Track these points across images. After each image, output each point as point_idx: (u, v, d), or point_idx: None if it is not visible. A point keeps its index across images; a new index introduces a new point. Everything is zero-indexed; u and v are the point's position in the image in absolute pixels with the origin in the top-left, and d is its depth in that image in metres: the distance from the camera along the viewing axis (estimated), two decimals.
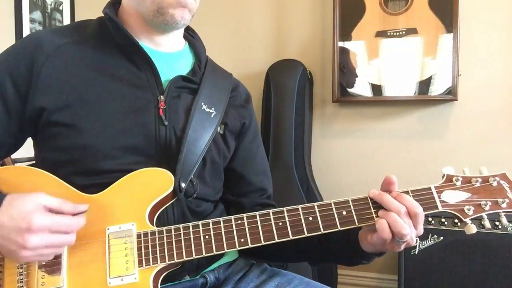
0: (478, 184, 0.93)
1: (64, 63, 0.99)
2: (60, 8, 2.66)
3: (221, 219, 0.92)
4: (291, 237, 0.90)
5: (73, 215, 0.87)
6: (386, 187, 0.93)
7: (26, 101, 0.97)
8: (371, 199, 0.92)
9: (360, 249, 0.96)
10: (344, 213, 0.91)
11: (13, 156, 1.36)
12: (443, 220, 1.87)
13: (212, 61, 1.19)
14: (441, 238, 1.88)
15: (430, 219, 1.89)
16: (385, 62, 2.19)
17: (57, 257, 0.88)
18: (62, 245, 0.86)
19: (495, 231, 1.79)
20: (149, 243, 0.90)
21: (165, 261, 0.89)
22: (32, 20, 2.47)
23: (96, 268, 0.88)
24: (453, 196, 0.92)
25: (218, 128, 1.08)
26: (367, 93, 2.23)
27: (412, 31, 2.15)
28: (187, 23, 1.07)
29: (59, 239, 0.84)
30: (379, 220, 0.88)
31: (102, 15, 1.06)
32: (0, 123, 0.98)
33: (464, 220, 0.91)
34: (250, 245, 0.90)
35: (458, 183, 0.93)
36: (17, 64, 0.98)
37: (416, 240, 1.85)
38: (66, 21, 2.70)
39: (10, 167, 1.13)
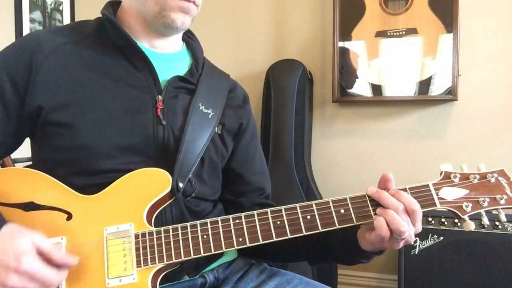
0: (476, 181, 0.92)
1: (63, 63, 0.99)
2: (60, 8, 2.67)
3: (219, 218, 0.92)
4: (289, 236, 0.90)
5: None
6: (383, 184, 0.92)
7: (24, 100, 0.97)
8: (369, 196, 0.91)
9: (359, 248, 0.96)
10: (342, 211, 0.91)
11: (13, 156, 1.36)
12: (443, 220, 1.86)
13: (210, 62, 1.19)
14: (441, 238, 1.87)
15: (430, 219, 1.88)
16: (385, 62, 2.19)
17: None
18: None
19: (495, 231, 1.79)
20: (147, 243, 0.89)
21: (164, 261, 0.89)
22: (32, 20, 2.47)
23: (94, 269, 0.88)
24: (451, 193, 0.92)
25: (216, 129, 1.08)
26: (367, 93, 2.23)
27: (412, 31, 2.14)
28: (186, 28, 1.07)
29: (39, 283, 0.80)
30: (377, 218, 0.88)
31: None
32: None
33: (462, 217, 0.91)
34: (248, 244, 0.90)
35: (456, 180, 0.93)
36: (16, 63, 0.98)
37: (416, 240, 1.85)
38: (66, 21, 2.70)
39: (8, 169, 1.13)
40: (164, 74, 1.05)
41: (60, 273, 0.84)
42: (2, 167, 1.37)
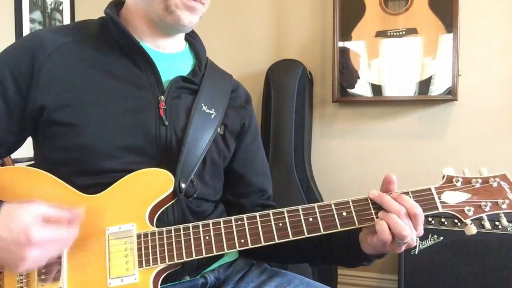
0: (478, 185, 0.92)
1: (65, 62, 0.99)
2: (60, 8, 2.66)
3: (221, 219, 0.92)
4: (291, 238, 0.90)
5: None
6: (386, 186, 0.92)
7: (27, 99, 0.97)
8: (371, 200, 0.91)
9: (361, 250, 0.96)
10: (344, 214, 0.91)
11: (13, 156, 1.36)
12: (443, 220, 1.87)
13: (212, 62, 1.19)
14: (441, 238, 1.88)
15: (430, 219, 1.89)
16: (385, 62, 2.19)
17: (57, 258, 0.87)
18: (59, 254, 0.86)
19: (495, 231, 1.79)
20: (149, 244, 0.90)
21: (165, 262, 0.89)
22: (32, 20, 2.47)
23: (96, 268, 0.88)
24: (453, 197, 0.92)
25: (218, 129, 1.08)
26: (367, 93, 2.23)
27: (412, 31, 2.15)
28: (193, 27, 1.07)
29: (57, 250, 0.83)
30: (378, 222, 0.88)
31: (103, 15, 1.06)
32: (1, 121, 0.98)
33: (464, 221, 0.91)
34: (250, 246, 0.90)
35: (458, 184, 0.93)
36: (18, 62, 0.98)
37: (416, 240, 1.86)
38: (66, 21, 2.70)
39: (9, 168, 1.13)
40: (167, 74, 1.04)
41: (72, 228, 0.85)
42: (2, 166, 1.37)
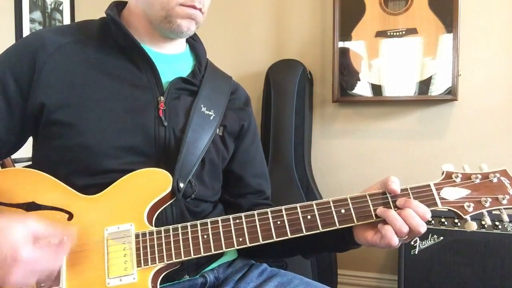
0: (478, 181, 0.92)
1: (66, 62, 0.99)
2: (60, 8, 2.67)
3: (219, 218, 0.92)
4: (289, 236, 0.90)
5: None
6: (384, 185, 0.92)
7: (27, 98, 0.97)
8: (369, 196, 0.91)
9: (354, 241, 0.96)
10: (343, 211, 0.91)
11: (13, 156, 1.36)
12: (443, 220, 1.86)
13: (212, 63, 1.20)
14: (441, 238, 1.87)
15: (430, 219, 1.88)
16: (385, 62, 2.19)
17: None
18: (47, 274, 0.83)
19: (495, 231, 1.79)
20: (148, 243, 0.89)
21: (164, 261, 0.89)
22: (32, 20, 2.47)
23: (95, 268, 0.87)
24: (452, 193, 0.91)
25: (217, 130, 1.08)
26: (367, 93, 2.23)
27: (412, 31, 2.15)
28: (191, 34, 1.08)
29: (45, 270, 0.81)
30: (384, 227, 0.88)
31: (103, 15, 1.06)
32: (2, 120, 0.98)
33: (464, 217, 0.90)
34: (248, 245, 0.90)
35: (458, 180, 0.92)
36: (20, 61, 0.98)
37: (416, 240, 1.85)
38: (66, 21, 2.70)
39: (9, 170, 1.13)
40: (167, 75, 1.05)
41: (62, 250, 0.83)
42: (2, 167, 1.37)
